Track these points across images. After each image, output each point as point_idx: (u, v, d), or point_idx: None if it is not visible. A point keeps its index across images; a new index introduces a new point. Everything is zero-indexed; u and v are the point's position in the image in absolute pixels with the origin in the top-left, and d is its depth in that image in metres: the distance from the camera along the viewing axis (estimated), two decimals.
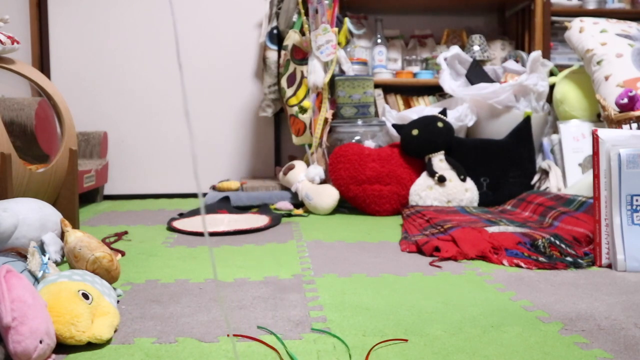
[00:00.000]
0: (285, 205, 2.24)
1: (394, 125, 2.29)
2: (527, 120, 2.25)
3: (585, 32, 2.24)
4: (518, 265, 1.37)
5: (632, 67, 2.07)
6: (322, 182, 2.28)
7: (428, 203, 2.11)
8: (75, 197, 1.67)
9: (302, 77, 2.36)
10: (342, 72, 2.45)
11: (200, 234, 1.77)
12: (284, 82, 2.41)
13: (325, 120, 2.35)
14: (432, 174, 2.13)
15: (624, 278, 1.26)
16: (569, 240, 1.47)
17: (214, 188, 2.48)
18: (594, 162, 1.37)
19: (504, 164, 2.20)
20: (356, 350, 0.86)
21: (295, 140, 2.41)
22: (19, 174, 1.41)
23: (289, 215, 2.13)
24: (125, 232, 1.77)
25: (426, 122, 2.19)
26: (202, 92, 2.78)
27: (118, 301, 1.08)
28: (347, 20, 2.46)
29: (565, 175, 2.21)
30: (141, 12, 2.73)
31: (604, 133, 1.37)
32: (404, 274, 1.30)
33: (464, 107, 2.32)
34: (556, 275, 1.29)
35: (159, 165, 2.78)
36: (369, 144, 2.34)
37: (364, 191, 2.14)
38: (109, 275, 1.12)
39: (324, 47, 2.30)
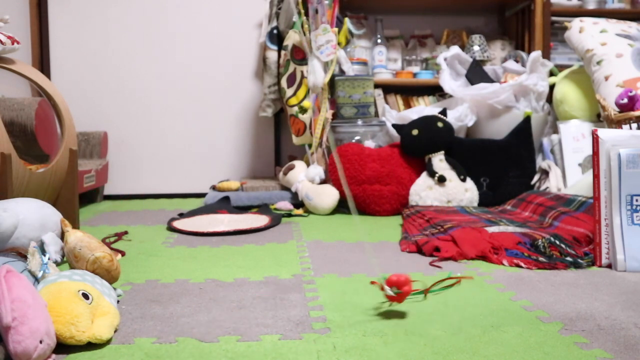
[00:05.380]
0: (285, 205, 2.24)
1: (394, 125, 2.29)
2: (527, 120, 2.25)
3: (585, 32, 2.24)
4: (518, 265, 1.37)
5: (632, 67, 2.07)
6: (322, 182, 2.28)
7: (428, 203, 2.11)
8: (75, 197, 1.67)
9: (302, 77, 2.36)
10: (342, 72, 2.45)
11: (200, 234, 1.77)
12: (284, 82, 2.41)
13: (326, 120, 2.35)
14: (432, 174, 2.13)
15: (624, 278, 1.26)
16: (569, 240, 1.47)
17: (214, 188, 2.48)
18: (594, 162, 1.37)
19: (504, 164, 2.20)
20: (356, 350, 0.86)
21: (295, 140, 2.41)
22: (19, 174, 1.41)
23: (289, 215, 2.13)
24: (125, 232, 1.77)
25: (426, 122, 2.19)
26: (202, 92, 2.78)
27: (118, 301, 1.08)
28: (347, 20, 2.46)
29: (565, 175, 2.21)
30: (141, 12, 2.73)
31: (604, 133, 1.37)
32: None
33: (464, 107, 2.32)
34: (556, 275, 1.29)
35: (159, 165, 2.78)
36: (369, 144, 2.34)
37: (364, 191, 2.14)
38: (109, 275, 1.12)
39: (324, 47, 2.30)
